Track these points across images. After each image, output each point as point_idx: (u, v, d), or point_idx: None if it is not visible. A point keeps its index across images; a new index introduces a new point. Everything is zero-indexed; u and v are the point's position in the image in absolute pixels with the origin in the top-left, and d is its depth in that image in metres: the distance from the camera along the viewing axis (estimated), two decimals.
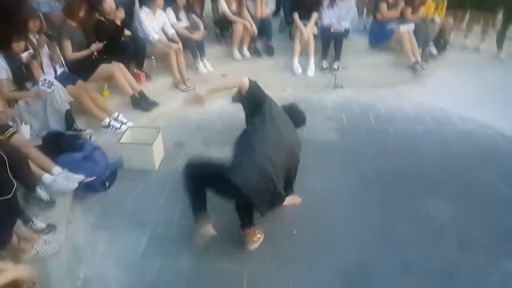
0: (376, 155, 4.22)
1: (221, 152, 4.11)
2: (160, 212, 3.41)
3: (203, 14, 6.87)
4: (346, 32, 5.94)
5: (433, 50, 6.52)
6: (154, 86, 5.28)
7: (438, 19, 6.34)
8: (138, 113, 4.77)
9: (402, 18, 6.19)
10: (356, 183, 3.79)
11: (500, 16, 7.01)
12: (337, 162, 4.11)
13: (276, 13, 7.18)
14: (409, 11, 6.20)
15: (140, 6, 5.50)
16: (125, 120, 4.44)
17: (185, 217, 3.31)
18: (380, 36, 6.28)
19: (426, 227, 3.28)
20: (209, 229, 2.90)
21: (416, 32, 6.05)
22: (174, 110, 5.04)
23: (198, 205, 2.99)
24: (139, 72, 5.18)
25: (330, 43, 5.94)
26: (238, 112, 4.97)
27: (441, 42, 6.65)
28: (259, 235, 3.06)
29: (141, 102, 4.81)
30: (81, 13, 4.60)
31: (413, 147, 4.38)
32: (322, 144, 4.42)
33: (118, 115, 4.45)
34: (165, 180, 3.79)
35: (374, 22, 6.40)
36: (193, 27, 5.68)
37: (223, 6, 5.85)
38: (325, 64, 5.94)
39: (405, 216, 3.39)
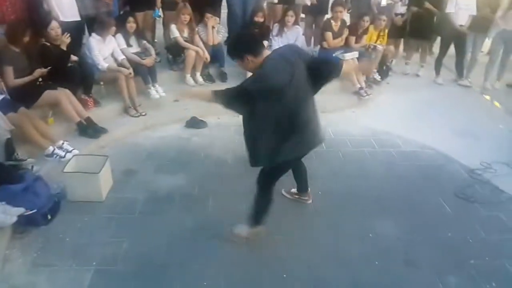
0: (327, 178, 4.18)
1: (175, 180, 4.05)
2: (106, 246, 3.15)
3: (155, 40, 6.77)
4: None
5: (377, 76, 6.67)
6: (103, 112, 5.03)
7: (380, 47, 6.51)
8: (85, 141, 4.49)
9: (346, 47, 6.31)
10: (307, 206, 3.74)
11: (436, 46, 7.34)
12: (290, 186, 3.96)
13: (228, 40, 7.15)
14: (353, 39, 6.35)
15: (90, 33, 5.29)
16: (70, 148, 4.15)
17: (132, 250, 3.13)
18: None
19: (374, 247, 3.29)
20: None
21: (360, 59, 6.15)
22: (124, 137, 4.81)
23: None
24: (86, 98, 4.93)
25: None
26: (192, 137, 4.92)
27: (383, 69, 6.82)
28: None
29: (88, 129, 4.54)
30: (25, 38, 4.31)
31: (361, 169, 4.39)
32: None
33: (62, 143, 4.15)
34: (113, 211, 3.55)
35: (321, 50, 6.48)
36: (144, 53, 5.51)
37: (175, 32, 5.74)
38: None
39: (355, 237, 3.38)
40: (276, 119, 2.73)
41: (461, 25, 6.54)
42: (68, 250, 3.10)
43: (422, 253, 3.24)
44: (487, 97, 6.62)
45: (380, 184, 4.12)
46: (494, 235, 3.46)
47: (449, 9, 6.54)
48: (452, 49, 6.94)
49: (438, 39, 7.19)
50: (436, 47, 7.49)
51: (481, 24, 6.57)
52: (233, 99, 2.75)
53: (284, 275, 2.97)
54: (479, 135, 5.26)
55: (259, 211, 3.16)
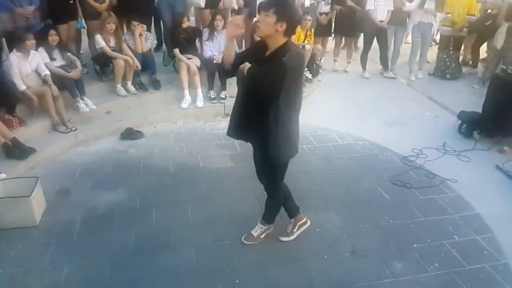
0: None
1: (114, 195, 3.85)
2: (45, 273, 2.93)
3: (81, 51, 6.44)
4: None
5: (308, 74, 6.78)
6: (30, 131, 4.67)
7: (308, 46, 6.63)
8: (12, 163, 4.14)
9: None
10: (253, 206, 3.70)
11: (361, 41, 7.64)
12: (234, 187, 4.00)
13: (158, 47, 6.98)
14: None
15: (10, 49, 4.89)
16: None
17: (74, 274, 2.92)
18: None
19: (322, 241, 3.33)
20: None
21: None
22: (54, 155, 4.51)
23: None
24: (10, 117, 4.56)
25: (215, 74, 5.87)
26: (129, 149, 4.72)
27: (314, 67, 6.96)
28: None
29: (15, 150, 4.19)
30: None
31: (302, 165, 4.43)
32: (218, 171, 4.31)
33: None
34: (49, 235, 3.30)
35: None
36: (69, 65, 5.19)
37: (100, 43, 5.46)
38: (212, 94, 5.85)
39: (302, 233, 3.37)
40: (294, 114, 2.72)
41: (381, 21, 6.85)
42: (3, 283, 2.84)
43: (367, 242, 3.33)
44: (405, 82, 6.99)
45: (321, 178, 4.20)
46: (432, 217, 3.64)
47: (369, 6, 6.82)
48: (376, 43, 7.23)
49: (362, 35, 7.48)
50: (361, 43, 7.79)
51: (399, 18, 6.92)
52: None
53: (237, 281, 2.91)
54: (408, 123, 5.55)
55: (276, 210, 3.25)
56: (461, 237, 3.40)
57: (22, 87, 4.63)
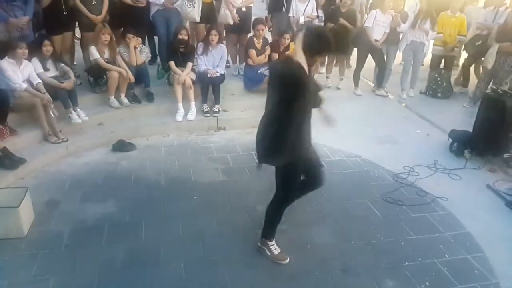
0: (262, 192, 4.08)
1: (104, 208, 3.80)
2: (30, 286, 2.87)
3: (74, 62, 6.43)
4: (222, 77, 5.94)
5: None
6: (21, 141, 4.63)
7: None
8: (1, 173, 4.09)
9: (270, 63, 6.38)
10: (245, 220, 3.70)
11: (352, 59, 7.71)
12: (226, 202, 3.98)
13: (153, 59, 6.98)
14: (275, 56, 6.44)
15: (2, 57, 4.87)
16: None
17: (61, 287, 2.85)
18: (253, 80, 6.39)
19: (313, 257, 3.30)
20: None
21: None
22: (44, 166, 4.47)
23: None
24: (1, 127, 4.51)
25: (208, 88, 5.89)
26: (120, 161, 4.68)
27: None
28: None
29: (4, 160, 4.15)
30: None
31: None
32: (210, 185, 4.28)
33: None
34: (36, 247, 3.25)
35: (246, 67, 6.52)
36: (62, 76, 5.17)
37: (95, 54, 5.46)
38: (205, 108, 5.86)
39: (294, 249, 3.37)
40: (302, 118, 2.96)
41: (376, 40, 6.93)
42: None
43: (358, 259, 3.31)
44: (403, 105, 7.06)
45: (313, 194, 4.05)
46: (423, 235, 3.63)
47: (368, 23, 6.90)
48: (368, 62, 7.30)
49: (355, 54, 7.54)
50: (352, 61, 7.85)
51: (391, 37, 7.01)
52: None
53: None
54: (399, 140, 5.57)
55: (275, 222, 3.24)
56: (452, 255, 3.39)
57: (23, 85, 4.62)
